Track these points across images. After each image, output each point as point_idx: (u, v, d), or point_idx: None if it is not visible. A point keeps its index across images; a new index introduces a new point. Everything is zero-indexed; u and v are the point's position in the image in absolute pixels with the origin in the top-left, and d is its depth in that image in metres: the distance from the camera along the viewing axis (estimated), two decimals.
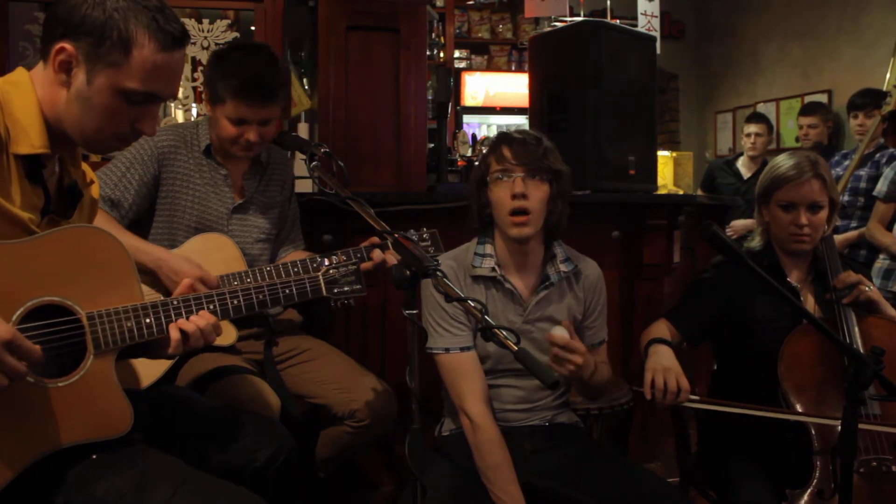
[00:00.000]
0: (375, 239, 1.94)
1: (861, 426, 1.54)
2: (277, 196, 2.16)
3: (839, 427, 1.50)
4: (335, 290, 1.60)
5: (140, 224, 2.01)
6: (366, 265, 1.89)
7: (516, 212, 1.70)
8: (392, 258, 1.92)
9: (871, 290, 1.82)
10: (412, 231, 2.11)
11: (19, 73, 1.27)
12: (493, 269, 1.77)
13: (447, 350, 1.73)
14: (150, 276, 1.84)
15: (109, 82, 1.22)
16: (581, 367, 1.59)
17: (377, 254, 1.93)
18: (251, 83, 1.91)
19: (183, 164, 2.02)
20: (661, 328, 1.90)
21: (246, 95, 1.91)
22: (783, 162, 1.89)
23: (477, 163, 1.95)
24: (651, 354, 1.76)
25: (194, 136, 2.05)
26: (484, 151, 1.97)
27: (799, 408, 1.72)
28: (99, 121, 1.24)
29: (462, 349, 1.73)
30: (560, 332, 1.60)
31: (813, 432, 1.69)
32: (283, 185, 2.19)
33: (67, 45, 1.20)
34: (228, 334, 1.92)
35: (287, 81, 1.99)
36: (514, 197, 1.69)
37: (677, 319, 1.92)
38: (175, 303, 1.36)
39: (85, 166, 1.42)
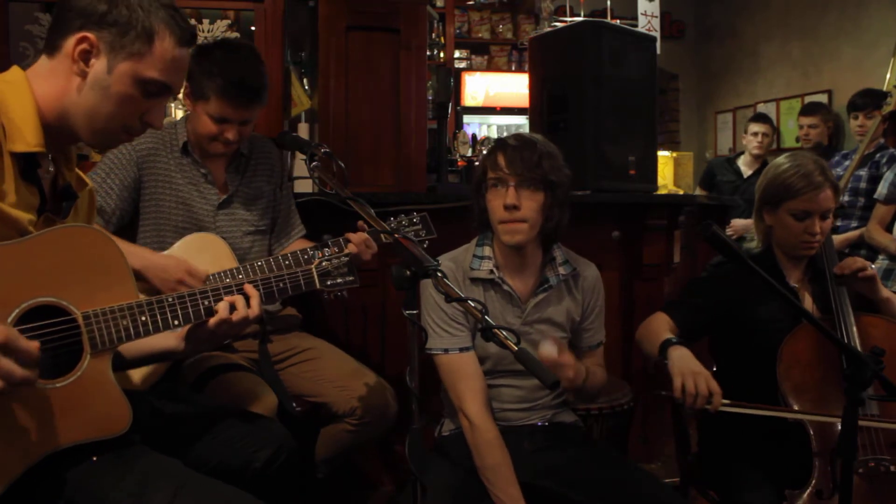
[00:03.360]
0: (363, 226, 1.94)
1: (861, 422, 1.53)
2: (264, 186, 2.15)
3: (839, 427, 1.49)
4: (328, 283, 1.60)
5: (127, 229, 2.00)
6: (351, 248, 1.89)
7: (508, 221, 1.70)
8: (356, 247, 1.90)
9: (872, 268, 1.81)
10: (402, 215, 2.10)
11: (14, 72, 1.28)
12: (492, 272, 1.76)
13: (446, 351, 1.72)
14: (141, 281, 1.83)
15: (131, 70, 1.25)
16: (572, 380, 1.59)
17: (356, 237, 1.92)
18: (237, 84, 1.90)
19: (163, 166, 2.01)
20: (662, 323, 1.85)
21: (231, 95, 1.90)
22: (790, 168, 1.83)
23: (476, 164, 1.94)
24: (675, 358, 1.67)
25: (173, 136, 2.04)
26: (484, 153, 1.96)
27: (797, 409, 1.71)
28: (113, 109, 1.27)
29: (461, 350, 1.73)
30: (548, 351, 1.57)
31: (811, 432, 1.68)
32: (271, 175, 2.17)
33: (90, 35, 1.23)
34: None
35: (267, 83, 1.98)
36: (505, 208, 1.69)
37: (675, 314, 1.88)
38: (170, 300, 1.35)
39: (79, 171, 1.42)
